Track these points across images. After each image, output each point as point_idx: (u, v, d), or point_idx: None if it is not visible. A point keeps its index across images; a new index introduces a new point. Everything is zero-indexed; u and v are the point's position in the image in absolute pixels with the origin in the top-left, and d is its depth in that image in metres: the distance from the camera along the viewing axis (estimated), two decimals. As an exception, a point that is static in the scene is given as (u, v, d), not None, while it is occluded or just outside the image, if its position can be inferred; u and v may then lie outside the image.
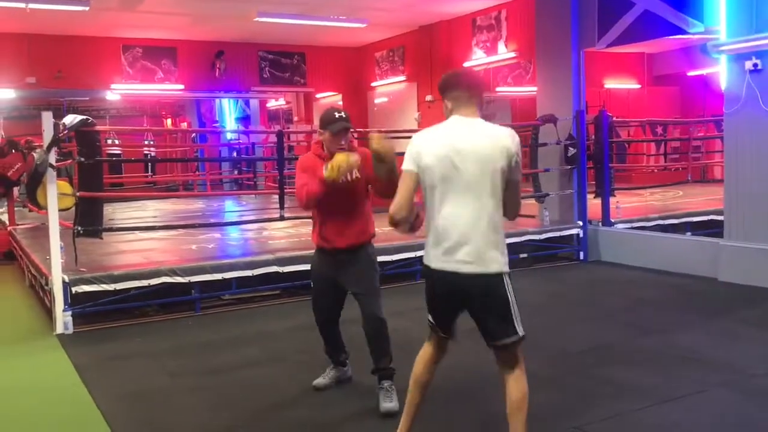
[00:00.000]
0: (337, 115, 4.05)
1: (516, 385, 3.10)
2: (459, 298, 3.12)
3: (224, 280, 6.85)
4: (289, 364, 5.11)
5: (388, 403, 4.01)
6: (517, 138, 3.09)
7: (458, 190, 3.05)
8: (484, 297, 3.07)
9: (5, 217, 11.65)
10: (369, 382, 4.25)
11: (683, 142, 14.15)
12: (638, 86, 16.43)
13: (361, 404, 4.19)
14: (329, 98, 16.34)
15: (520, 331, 3.11)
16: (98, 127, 7.12)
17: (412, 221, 3.23)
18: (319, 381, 4.50)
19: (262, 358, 5.30)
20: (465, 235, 3.03)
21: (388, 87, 15.07)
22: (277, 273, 7.06)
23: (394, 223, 3.17)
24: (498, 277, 3.05)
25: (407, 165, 3.14)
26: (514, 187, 3.10)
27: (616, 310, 6.46)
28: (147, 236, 9.06)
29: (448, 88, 3.21)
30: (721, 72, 7.50)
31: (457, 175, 3.04)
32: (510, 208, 3.14)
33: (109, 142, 17.56)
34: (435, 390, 4.32)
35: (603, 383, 4.45)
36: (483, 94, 3.33)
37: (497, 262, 3.06)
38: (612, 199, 9.27)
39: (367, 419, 3.98)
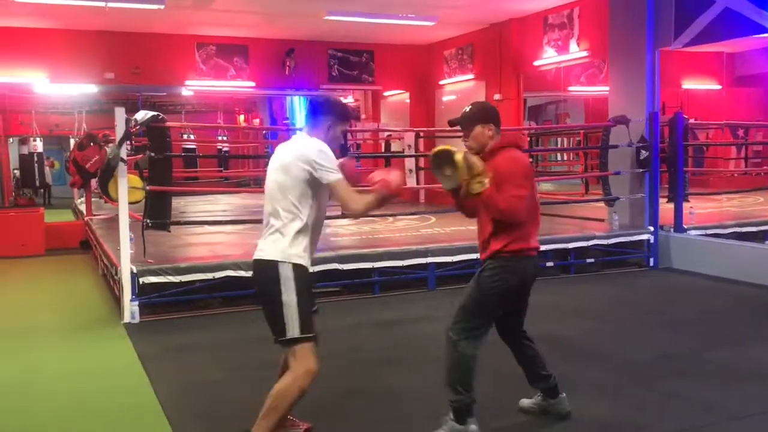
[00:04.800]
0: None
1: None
2: None
3: (286, 275, 6.90)
4: (343, 363, 5.09)
5: None
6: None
7: None
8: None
9: (83, 208, 12.13)
10: (416, 390, 4.19)
11: (766, 146, 13.51)
12: (718, 87, 15.78)
13: (409, 409, 4.14)
14: (397, 96, 16.33)
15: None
16: (172, 123, 7.30)
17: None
18: (524, 401, 3.96)
19: (318, 354, 5.29)
20: None
21: (456, 85, 14.94)
22: (337, 270, 7.09)
23: None
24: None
25: None
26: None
27: (686, 320, 6.21)
28: (215, 230, 9.24)
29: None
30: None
31: None
32: None
33: (185, 137, 18.07)
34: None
35: (669, 396, 4.27)
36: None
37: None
38: (685, 205, 8.92)
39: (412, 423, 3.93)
